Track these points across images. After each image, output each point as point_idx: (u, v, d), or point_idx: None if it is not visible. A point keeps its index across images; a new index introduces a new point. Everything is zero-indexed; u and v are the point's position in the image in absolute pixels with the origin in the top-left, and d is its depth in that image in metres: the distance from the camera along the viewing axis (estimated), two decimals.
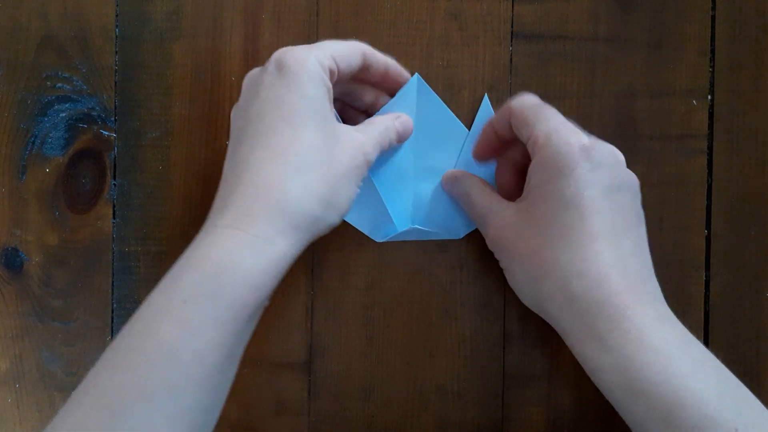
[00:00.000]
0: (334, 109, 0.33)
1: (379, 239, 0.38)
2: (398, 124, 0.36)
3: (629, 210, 0.31)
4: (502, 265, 0.35)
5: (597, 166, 0.31)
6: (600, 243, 0.30)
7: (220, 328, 0.27)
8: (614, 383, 0.29)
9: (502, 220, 0.34)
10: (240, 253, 0.28)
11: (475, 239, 0.39)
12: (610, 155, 0.32)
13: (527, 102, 0.33)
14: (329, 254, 0.39)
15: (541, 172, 0.32)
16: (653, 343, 0.28)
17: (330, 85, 0.32)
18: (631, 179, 0.32)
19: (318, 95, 0.31)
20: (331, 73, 0.32)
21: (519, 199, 0.34)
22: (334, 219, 0.31)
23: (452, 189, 0.38)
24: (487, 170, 0.38)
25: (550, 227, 0.31)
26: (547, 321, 0.33)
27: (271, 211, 0.29)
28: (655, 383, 0.28)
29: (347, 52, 0.33)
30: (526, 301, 0.34)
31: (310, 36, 0.39)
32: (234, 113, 0.33)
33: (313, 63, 0.31)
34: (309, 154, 0.30)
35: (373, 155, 0.33)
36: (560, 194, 0.30)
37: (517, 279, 0.33)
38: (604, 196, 0.30)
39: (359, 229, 0.38)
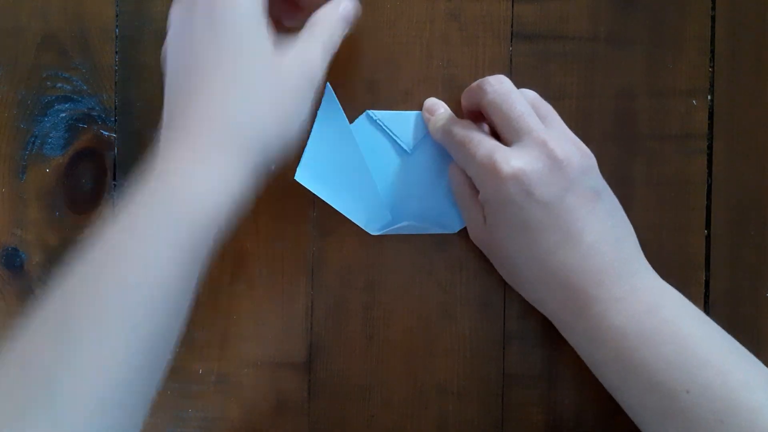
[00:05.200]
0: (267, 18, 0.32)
1: (374, 232, 0.38)
2: (343, 11, 0.34)
3: (580, 207, 0.32)
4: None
5: (529, 187, 0.32)
6: (558, 253, 0.32)
7: (179, 258, 0.28)
8: (584, 357, 0.34)
9: (477, 233, 0.37)
10: (197, 178, 0.29)
11: None
12: (540, 167, 0.32)
13: (457, 129, 0.35)
14: (329, 254, 0.39)
15: (487, 203, 0.34)
16: (610, 323, 0.32)
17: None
18: (562, 182, 0.32)
19: (257, 16, 0.30)
20: None
21: (485, 214, 0.35)
22: (287, 138, 0.32)
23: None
24: None
25: (514, 249, 0.34)
26: None
27: (225, 137, 0.29)
28: (611, 358, 0.32)
29: None
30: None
31: None
32: (168, 49, 0.32)
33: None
34: (255, 82, 0.30)
35: (322, 68, 0.32)
36: (511, 221, 0.33)
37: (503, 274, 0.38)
38: (549, 209, 0.32)
39: (354, 221, 0.38)
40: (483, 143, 0.33)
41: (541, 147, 0.32)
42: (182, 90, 0.31)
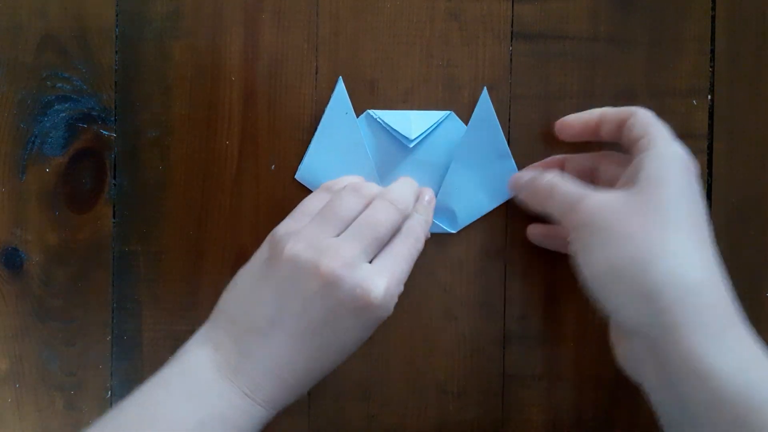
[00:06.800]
0: None
1: None
2: (420, 245, 0.35)
3: None
4: (585, 253, 0.32)
5: (697, 176, 0.32)
6: (709, 241, 0.31)
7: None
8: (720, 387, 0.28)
9: (600, 202, 0.32)
10: (246, 417, 0.32)
11: (475, 239, 0.39)
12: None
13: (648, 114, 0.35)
14: None
15: (664, 164, 0.32)
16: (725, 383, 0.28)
17: None
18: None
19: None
20: None
21: (619, 186, 0.33)
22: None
23: (528, 187, 0.36)
24: (487, 171, 0.38)
25: (673, 211, 0.31)
26: (620, 321, 0.31)
27: (274, 390, 0.32)
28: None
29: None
30: (602, 300, 0.32)
31: (310, 36, 0.39)
32: (277, 282, 0.32)
33: (391, 305, 0.33)
34: (347, 355, 0.33)
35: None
36: (688, 187, 0.31)
37: (611, 262, 0.31)
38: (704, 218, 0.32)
39: None
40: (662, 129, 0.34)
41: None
42: (275, 338, 0.32)
